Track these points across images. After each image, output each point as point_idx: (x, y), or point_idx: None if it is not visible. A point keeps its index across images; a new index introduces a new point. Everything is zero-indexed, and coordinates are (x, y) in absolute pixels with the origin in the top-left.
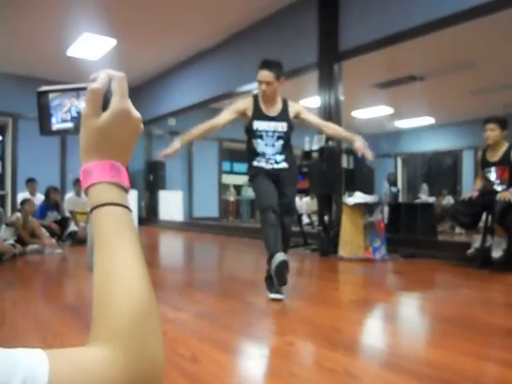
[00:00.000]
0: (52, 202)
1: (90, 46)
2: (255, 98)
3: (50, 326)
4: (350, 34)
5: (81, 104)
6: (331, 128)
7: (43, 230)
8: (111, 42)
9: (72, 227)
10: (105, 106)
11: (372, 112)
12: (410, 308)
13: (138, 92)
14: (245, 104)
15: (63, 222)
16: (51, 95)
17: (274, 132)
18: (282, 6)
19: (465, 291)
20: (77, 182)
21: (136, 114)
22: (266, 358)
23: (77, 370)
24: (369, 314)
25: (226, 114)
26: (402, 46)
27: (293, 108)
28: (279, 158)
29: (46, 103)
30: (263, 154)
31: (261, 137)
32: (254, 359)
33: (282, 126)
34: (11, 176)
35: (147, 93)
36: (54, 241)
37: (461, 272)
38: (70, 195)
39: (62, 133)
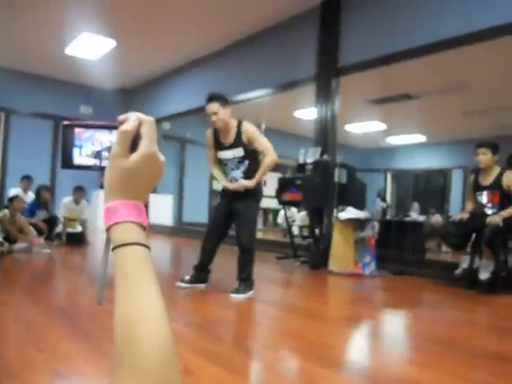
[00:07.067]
0: (42, 201)
1: (89, 45)
2: (214, 130)
3: (42, 330)
4: (350, 51)
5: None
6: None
7: (31, 228)
8: (110, 43)
9: (59, 229)
10: (133, 147)
11: (365, 127)
12: (400, 327)
13: (134, 94)
14: (207, 140)
15: (52, 221)
16: (77, 129)
17: (234, 158)
18: (283, 19)
19: (453, 311)
20: (77, 189)
21: (162, 158)
22: (259, 373)
23: None
24: (359, 331)
25: (210, 153)
26: (399, 65)
27: (246, 134)
28: (240, 178)
29: (70, 137)
30: (228, 175)
31: (226, 164)
32: (247, 374)
33: (238, 152)
34: (1, 172)
35: (143, 95)
36: (41, 240)
37: (448, 292)
38: (67, 200)
39: (85, 168)
